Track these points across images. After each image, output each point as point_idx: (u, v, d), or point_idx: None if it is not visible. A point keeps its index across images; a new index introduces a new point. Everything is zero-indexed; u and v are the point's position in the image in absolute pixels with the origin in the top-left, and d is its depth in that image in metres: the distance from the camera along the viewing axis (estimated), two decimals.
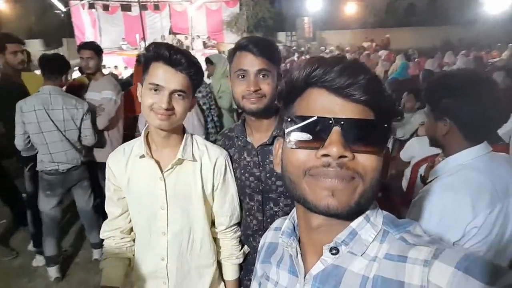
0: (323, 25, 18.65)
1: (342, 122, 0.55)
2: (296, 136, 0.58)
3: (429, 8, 19.94)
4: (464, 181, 1.16)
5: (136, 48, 15.38)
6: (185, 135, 1.31)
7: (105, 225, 1.41)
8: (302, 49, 15.71)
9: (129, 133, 3.46)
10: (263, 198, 1.33)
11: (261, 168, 1.32)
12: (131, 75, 7.51)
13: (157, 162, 1.26)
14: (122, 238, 1.39)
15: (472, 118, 1.17)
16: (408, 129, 3.61)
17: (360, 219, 0.62)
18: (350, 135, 0.56)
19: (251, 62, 1.21)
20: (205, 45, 16.30)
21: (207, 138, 3.27)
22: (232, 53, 1.28)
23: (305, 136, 0.58)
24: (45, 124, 2.62)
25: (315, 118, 0.57)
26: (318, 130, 0.57)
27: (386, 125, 0.58)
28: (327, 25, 18.88)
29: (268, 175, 1.31)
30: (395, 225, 0.62)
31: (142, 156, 1.26)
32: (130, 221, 1.39)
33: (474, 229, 1.12)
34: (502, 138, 3.47)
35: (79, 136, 2.83)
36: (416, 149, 2.95)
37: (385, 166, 0.60)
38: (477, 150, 1.20)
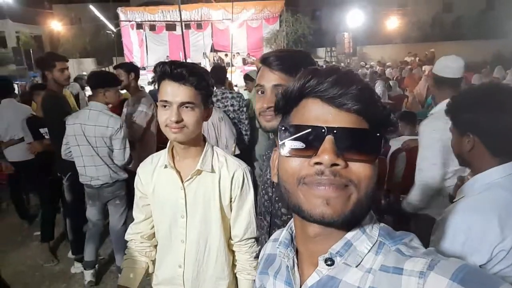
0: (364, 40, 18.42)
1: (335, 131, 0.56)
2: (290, 144, 0.60)
3: (479, 20, 19.07)
4: (492, 201, 1.09)
5: None
6: (206, 147, 1.35)
7: (130, 228, 1.51)
8: (342, 64, 15.58)
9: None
10: (271, 221, 1.28)
11: (274, 189, 1.27)
12: None
13: (178, 172, 1.32)
14: (142, 243, 1.47)
15: (496, 132, 1.12)
16: None
17: (356, 230, 0.62)
18: (343, 144, 0.56)
19: (267, 77, 1.12)
20: (244, 62, 16.67)
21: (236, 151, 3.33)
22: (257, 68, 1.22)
23: (299, 145, 0.59)
24: (80, 138, 2.77)
25: (308, 126, 0.59)
26: (312, 139, 0.58)
27: (378, 134, 0.59)
28: (368, 40, 18.63)
29: (277, 198, 1.26)
30: (391, 237, 0.62)
31: (166, 167, 1.33)
32: (152, 227, 1.46)
33: (502, 252, 1.04)
34: None
35: (110, 153, 2.84)
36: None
37: (381, 176, 0.59)
38: (506, 168, 1.13)
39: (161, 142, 3.67)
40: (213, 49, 18.26)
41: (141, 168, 1.42)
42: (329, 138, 0.56)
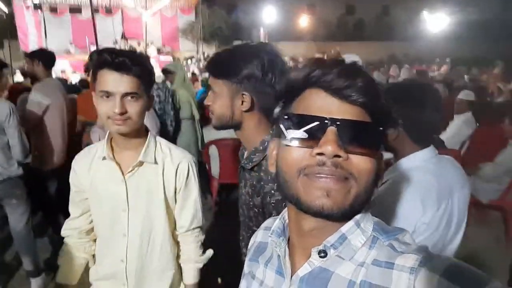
0: (278, 36, 19.09)
1: (338, 123, 0.56)
2: (292, 134, 0.59)
3: (377, 24, 21.18)
4: (415, 182, 1.25)
5: (86, 53, 14.77)
6: (148, 137, 1.30)
7: (66, 224, 1.41)
8: None
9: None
10: (246, 213, 1.21)
11: (239, 189, 1.24)
12: (80, 81, 7.22)
13: (118, 165, 1.26)
14: (80, 238, 1.39)
15: (417, 123, 1.27)
16: None
17: (351, 223, 0.62)
18: (346, 136, 0.56)
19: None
20: (159, 52, 16.03)
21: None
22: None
23: (301, 134, 0.58)
24: None
25: (311, 117, 0.58)
26: (314, 129, 0.57)
27: (381, 129, 0.59)
28: (282, 36, 19.34)
29: (239, 198, 1.24)
30: (385, 232, 0.63)
31: (104, 158, 1.26)
32: (91, 222, 1.39)
33: (423, 225, 1.21)
34: (444, 143, 3.78)
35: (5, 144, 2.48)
36: None
37: (378, 172, 0.61)
38: (424, 153, 1.30)
39: (73, 134, 3.41)
40: (124, 37, 17.16)
41: (75, 161, 1.34)
42: (332, 129, 0.56)
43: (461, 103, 4.48)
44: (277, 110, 0.68)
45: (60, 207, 2.96)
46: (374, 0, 21.54)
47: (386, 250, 0.59)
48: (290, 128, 0.59)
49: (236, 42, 20.21)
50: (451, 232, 1.28)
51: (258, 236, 0.83)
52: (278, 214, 1.09)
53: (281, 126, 0.61)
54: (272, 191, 1.06)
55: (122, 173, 1.26)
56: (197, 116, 3.99)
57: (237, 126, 1.14)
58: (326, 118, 0.57)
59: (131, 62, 1.14)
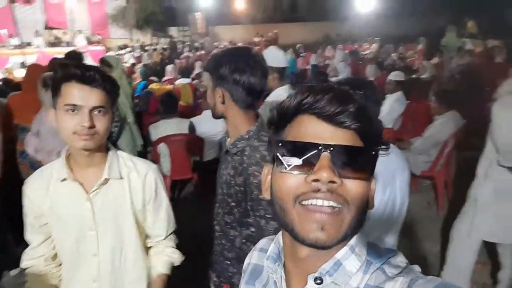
0: (215, 20, 18.79)
1: (332, 148, 0.57)
2: (286, 160, 0.60)
3: (310, 4, 21.65)
4: None
5: (4, 45, 13.39)
6: (110, 152, 1.28)
7: (26, 254, 1.34)
8: (196, 44, 15.63)
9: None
10: (216, 196, 1.42)
11: (220, 170, 1.40)
12: (3, 81, 6.56)
13: (81, 184, 1.23)
14: (46, 266, 1.34)
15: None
16: None
17: (345, 249, 0.62)
18: (339, 161, 0.57)
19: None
20: (89, 41, 15.00)
21: None
22: None
23: (295, 161, 0.59)
24: None
25: (305, 143, 0.59)
26: (308, 156, 0.58)
27: (373, 153, 0.61)
28: (219, 20, 19.07)
29: (219, 179, 1.39)
30: (378, 255, 0.64)
31: (64, 180, 1.22)
32: (54, 247, 1.34)
33: (371, 210, 1.35)
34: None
35: None
36: None
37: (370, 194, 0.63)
38: None
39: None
40: (47, 26, 15.76)
41: (28, 186, 1.27)
42: (325, 155, 0.57)
43: (391, 83, 4.84)
44: (270, 136, 0.69)
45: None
46: None
47: (377, 275, 0.61)
48: (284, 155, 0.60)
49: (172, 29, 19.57)
50: (396, 212, 1.45)
51: (253, 258, 0.83)
52: (259, 194, 1.23)
53: (275, 153, 0.62)
54: (256, 173, 1.22)
55: (86, 192, 1.24)
56: (129, 119, 3.80)
57: (222, 116, 1.33)
58: (319, 144, 0.58)
59: (100, 75, 1.14)
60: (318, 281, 0.62)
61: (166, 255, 1.43)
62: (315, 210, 0.57)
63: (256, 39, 16.33)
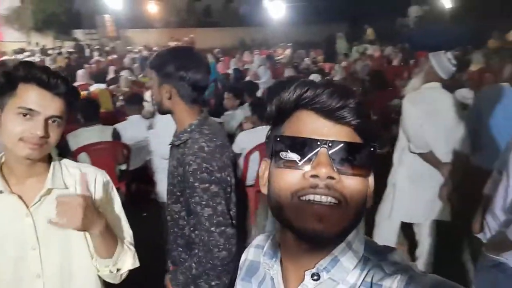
0: (126, 23, 17.92)
1: (330, 144, 0.57)
2: (284, 156, 0.59)
3: (224, 10, 21.93)
4: None
5: None
6: (53, 161, 1.16)
7: None
8: (107, 48, 14.74)
9: None
10: (167, 189, 1.47)
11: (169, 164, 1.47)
12: None
13: (20, 197, 1.09)
14: None
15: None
16: (234, 124, 4.02)
17: (343, 246, 0.62)
18: (337, 157, 0.57)
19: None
20: None
21: None
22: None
23: (294, 156, 0.58)
24: None
25: (303, 139, 0.58)
26: (306, 151, 0.57)
27: (372, 149, 0.60)
28: (131, 24, 18.24)
29: (168, 171, 1.46)
30: (375, 252, 0.64)
31: (1, 192, 1.07)
32: None
33: None
34: None
35: None
36: (245, 142, 3.37)
37: (369, 191, 0.63)
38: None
39: None
40: None
41: None
42: (323, 151, 0.56)
43: None
44: (268, 131, 0.68)
45: None
46: None
47: (375, 271, 0.61)
48: (282, 151, 0.59)
49: (77, 31, 18.23)
50: None
51: (249, 254, 0.81)
52: (194, 181, 1.29)
53: (273, 148, 0.61)
54: (191, 162, 1.29)
55: (26, 206, 1.10)
56: None
57: (169, 112, 1.40)
58: (318, 140, 0.57)
59: (64, 84, 1.05)
60: (315, 277, 0.61)
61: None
62: (314, 204, 0.56)
63: (171, 44, 15.98)
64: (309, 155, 0.57)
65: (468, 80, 5.50)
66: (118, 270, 1.20)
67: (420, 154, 2.47)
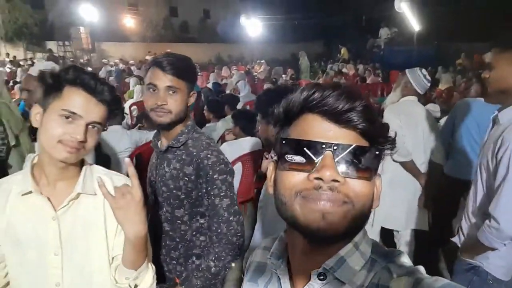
0: (102, 36, 17.70)
1: (335, 147, 0.57)
2: (290, 158, 0.60)
3: (201, 26, 22.13)
4: None
5: None
6: (84, 166, 1.13)
7: None
8: (81, 60, 14.48)
9: None
10: (155, 198, 1.47)
11: (157, 170, 1.46)
12: None
13: (48, 199, 1.06)
14: None
15: None
16: (215, 136, 4.05)
17: (349, 246, 0.62)
18: (342, 160, 0.57)
19: (161, 79, 1.31)
20: None
21: None
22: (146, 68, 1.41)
23: (298, 159, 0.59)
24: None
25: (309, 141, 0.59)
26: (311, 154, 0.58)
27: (377, 152, 0.60)
28: (107, 37, 18.03)
29: (159, 178, 1.44)
30: (383, 255, 0.64)
31: (28, 193, 1.04)
32: (6, 275, 1.12)
33: None
34: None
35: None
36: (227, 152, 3.38)
37: (375, 193, 0.63)
38: None
39: None
40: None
41: None
42: (329, 154, 0.57)
43: None
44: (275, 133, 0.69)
45: None
46: (195, 3, 22.40)
47: (382, 274, 0.61)
48: (287, 153, 0.60)
49: (50, 43, 17.83)
50: None
51: (256, 256, 0.80)
52: (214, 174, 1.34)
53: (279, 150, 0.62)
54: (208, 156, 1.34)
55: (54, 209, 1.06)
56: (12, 142, 3.25)
57: (181, 120, 1.40)
58: (323, 143, 0.57)
59: (109, 92, 1.06)
60: (322, 277, 0.62)
61: None
62: (318, 200, 0.56)
63: (148, 58, 15.90)
64: (314, 158, 0.58)
65: (436, 98, 5.80)
66: (136, 286, 1.13)
67: (402, 163, 2.58)
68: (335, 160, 0.57)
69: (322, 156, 0.57)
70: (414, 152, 2.57)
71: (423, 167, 2.63)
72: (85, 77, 1.05)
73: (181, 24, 22.44)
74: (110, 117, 1.15)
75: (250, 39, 17.42)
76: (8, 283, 1.15)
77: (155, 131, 1.59)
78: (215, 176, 1.34)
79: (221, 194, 1.34)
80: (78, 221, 1.11)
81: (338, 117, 0.58)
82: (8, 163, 3.14)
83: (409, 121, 2.56)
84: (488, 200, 1.58)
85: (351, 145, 0.58)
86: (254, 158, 3.24)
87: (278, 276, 0.69)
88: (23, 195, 1.06)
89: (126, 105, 5.80)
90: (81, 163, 1.15)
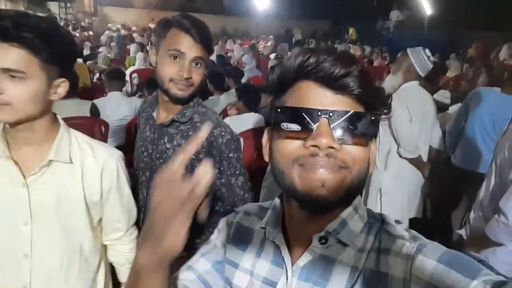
0: (105, 0, 17.21)
1: (331, 114, 0.57)
2: (286, 126, 0.59)
3: None
4: None
5: None
6: (60, 130, 1.04)
7: None
8: (83, 24, 14.12)
9: None
10: (150, 176, 1.33)
11: (154, 146, 1.32)
12: None
13: (17, 164, 0.98)
14: None
15: None
16: (217, 110, 3.95)
17: (349, 209, 0.63)
18: (339, 126, 0.57)
19: (190, 47, 1.18)
20: None
21: None
22: (165, 27, 1.21)
23: (294, 127, 0.58)
24: None
25: (304, 109, 0.58)
26: (307, 122, 0.57)
27: (373, 118, 0.59)
28: (110, 1, 17.52)
29: (158, 155, 1.31)
30: (377, 218, 0.66)
31: None
32: None
33: None
34: None
35: None
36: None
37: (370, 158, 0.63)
38: None
39: None
40: None
41: None
42: (325, 121, 0.56)
43: None
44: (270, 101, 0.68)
45: None
46: None
47: (383, 236, 0.62)
48: (283, 121, 0.59)
49: (51, 4, 17.33)
50: None
51: (238, 218, 0.77)
52: (229, 152, 1.26)
53: (274, 118, 0.61)
54: (223, 133, 1.24)
55: (23, 176, 0.99)
56: None
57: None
58: (319, 110, 0.57)
59: (15, 26, 0.87)
60: (323, 241, 0.62)
61: (131, 261, 1.25)
62: (316, 168, 0.56)
63: (151, 25, 15.51)
64: (310, 126, 0.57)
65: (444, 85, 5.67)
66: None
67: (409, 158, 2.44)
68: (331, 127, 0.57)
69: (318, 123, 0.57)
70: (419, 143, 2.44)
71: (425, 156, 2.52)
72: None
73: None
74: (50, 62, 0.96)
75: (257, 12, 16.98)
76: None
77: (146, 98, 1.47)
78: (230, 155, 1.26)
79: (236, 172, 1.29)
80: (50, 189, 1.02)
81: (333, 83, 0.58)
82: None
83: (416, 111, 2.39)
84: (500, 195, 1.53)
85: (347, 111, 0.57)
86: (256, 135, 3.16)
87: (276, 245, 0.67)
88: None
89: (127, 72, 5.66)
90: (55, 126, 1.05)
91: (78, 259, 1.11)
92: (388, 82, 2.62)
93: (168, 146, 1.29)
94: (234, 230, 0.76)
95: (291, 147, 0.59)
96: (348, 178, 0.58)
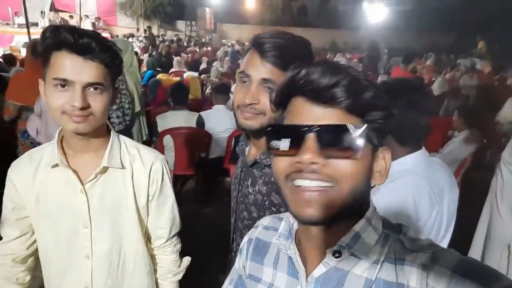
0: (224, 17, 18.65)
1: (317, 129, 0.57)
2: (276, 144, 0.60)
3: (319, 10, 21.58)
4: (406, 185, 1.23)
5: (8, 23, 13.17)
6: (111, 137, 1.10)
7: None
8: (203, 40, 15.49)
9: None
10: (235, 222, 1.16)
11: (240, 186, 1.12)
12: (4, 57, 6.39)
13: (75, 172, 1.05)
14: (12, 267, 1.15)
15: (403, 125, 1.21)
16: None
17: (363, 222, 0.62)
18: (325, 141, 0.57)
19: (257, 67, 0.95)
20: (94, 26, 14.78)
21: None
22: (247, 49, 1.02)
23: (282, 145, 0.60)
24: None
25: (291, 126, 0.60)
26: (295, 138, 0.58)
27: (363, 129, 0.57)
28: (228, 18, 18.94)
29: (241, 198, 1.11)
30: (393, 228, 0.65)
31: (56, 166, 1.04)
32: (29, 247, 1.16)
33: (415, 231, 1.20)
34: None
35: None
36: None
37: (371, 169, 0.61)
38: (414, 156, 1.28)
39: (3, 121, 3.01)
40: (53, 8, 15.51)
41: (14, 171, 1.09)
42: (310, 137, 0.57)
43: None
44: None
45: None
46: None
47: (397, 247, 0.61)
48: (274, 139, 0.61)
49: (179, 22, 19.41)
50: (440, 236, 1.30)
51: (256, 233, 0.80)
52: None
53: (267, 137, 0.63)
54: None
55: (81, 182, 1.06)
56: (137, 108, 3.56)
57: None
58: (304, 126, 0.58)
59: (98, 44, 0.93)
60: (337, 255, 0.62)
61: (173, 274, 1.28)
62: (303, 190, 0.58)
63: None
64: (298, 141, 0.58)
65: None
66: None
67: None
68: (319, 142, 0.56)
69: (305, 139, 0.57)
70: None
71: None
72: (64, 35, 0.91)
73: (299, 8, 22.21)
74: (116, 74, 1.02)
75: (370, 25, 16.31)
76: (30, 255, 1.18)
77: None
78: None
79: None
80: (106, 194, 1.08)
81: (322, 95, 0.57)
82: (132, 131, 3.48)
83: None
84: None
85: (331, 125, 0.57)
86: None
87: (290, 256, 0.69)
88: (52, 167, 1.05)
89: (233, 86, 5.93)
90: (108, 135, 1.10)
91: (131, 259, 1.16)
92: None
93: (250, 190, 1.08)
94: (253, 245, 0.79)
95: (283, 163, 0.60)
96: (339, 197, 0.57)
